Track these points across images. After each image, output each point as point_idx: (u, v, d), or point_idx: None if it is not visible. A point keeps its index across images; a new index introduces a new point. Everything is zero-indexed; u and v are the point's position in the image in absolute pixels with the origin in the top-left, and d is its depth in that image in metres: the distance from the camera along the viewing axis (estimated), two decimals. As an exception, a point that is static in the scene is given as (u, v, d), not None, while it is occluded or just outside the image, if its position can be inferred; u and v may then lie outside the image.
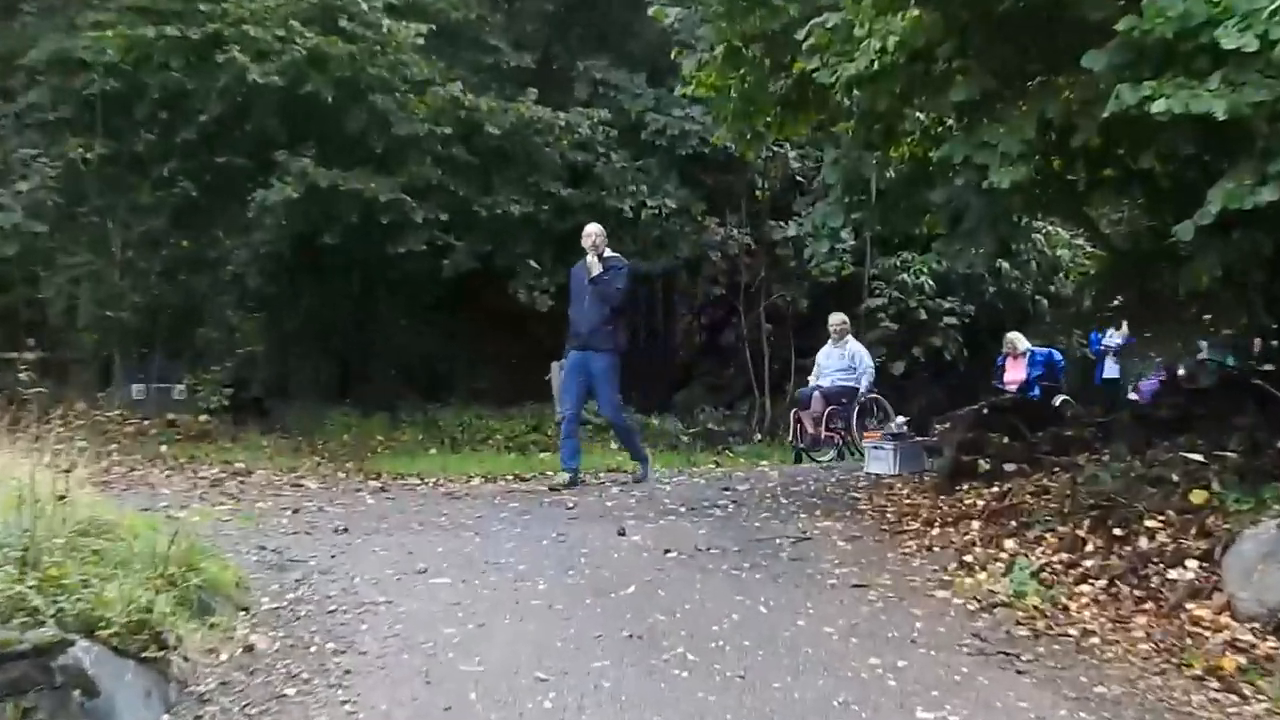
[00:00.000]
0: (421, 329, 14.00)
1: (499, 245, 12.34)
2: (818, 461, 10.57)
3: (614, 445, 10.00)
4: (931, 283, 14.19)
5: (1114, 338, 11.31)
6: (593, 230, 8.25)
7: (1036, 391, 10.64)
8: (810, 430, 10.80)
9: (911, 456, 9.10)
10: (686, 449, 12.17)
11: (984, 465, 7.03)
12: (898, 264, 14.39)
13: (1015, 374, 11.07)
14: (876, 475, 8.90)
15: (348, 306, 13.42)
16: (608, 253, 8.17)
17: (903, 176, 7.61)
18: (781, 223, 14.39)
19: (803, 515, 6.83)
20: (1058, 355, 11.33)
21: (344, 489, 8.17)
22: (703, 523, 6.56)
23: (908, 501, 7.21)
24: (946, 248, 7.25)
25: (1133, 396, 11.06)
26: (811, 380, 11.35)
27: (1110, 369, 11.54)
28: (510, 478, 8.89)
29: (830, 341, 11.37)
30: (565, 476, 8.07)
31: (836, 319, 11.33)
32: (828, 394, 10.85)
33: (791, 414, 11.22)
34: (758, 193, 14.93)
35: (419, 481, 8.69)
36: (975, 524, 5.99)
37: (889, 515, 6.76)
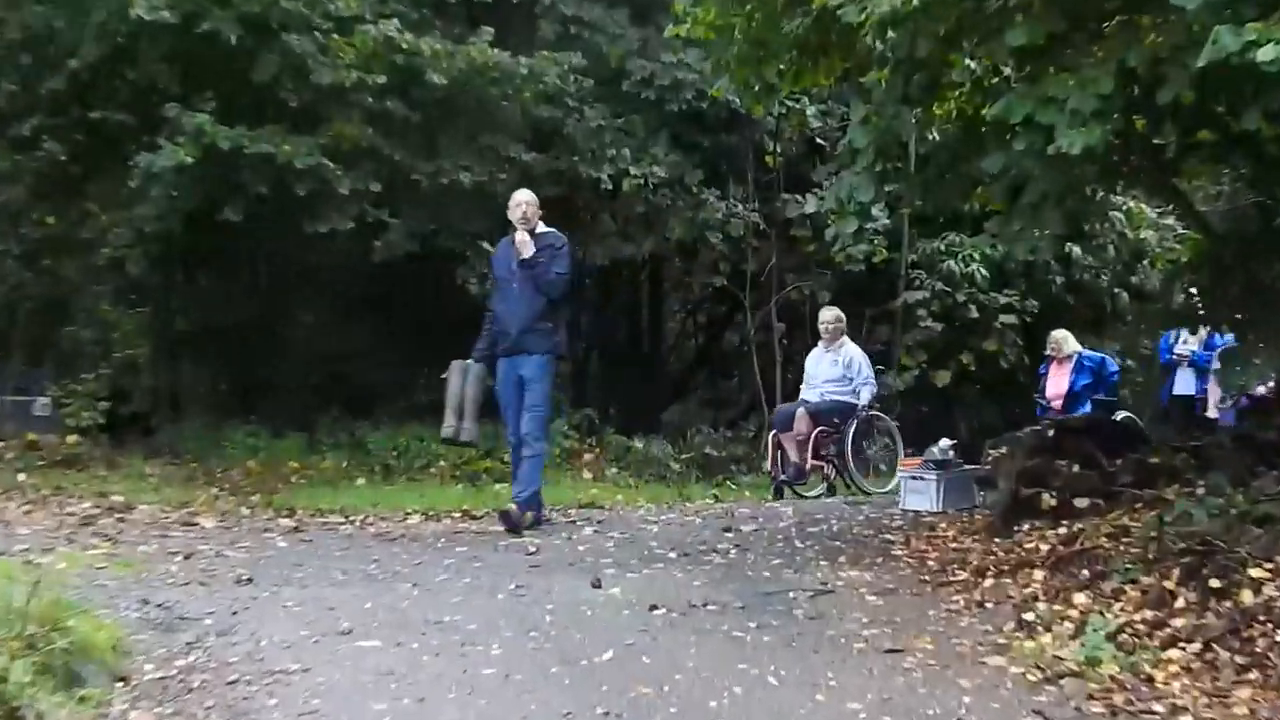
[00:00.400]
0: (347, 329, 13.94)
1: (444, 223, 12.32)
2: (803, 497, 10.59)
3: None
4: (984, 272, 14.25)
5: (1188, 344, 11.35)
6: (522, 198, 8.15)
7: (1086, 407, 10.64)
8: (794, 458, 10.78)
9: (958, 489, 9.12)
10: (678, 480, 12.19)
11: (1049, 500, 7.05)
12: (942, 249, 14.45)
13: (1058, 384, 11.10)
14: (915, 513, 8.92)
15: (254, 300, 13.37)
16: (541, 228, 8.11)
17: (949, 139, 7.61)
18: (798, 197, 14.43)
19: (823, 563, 6.84)
20: (1111, 363, 11.35)
21: (248, 529, 8.13)
22: (698, 572, 6.56)
23: (954, 545, 7.23)
24: (1003, 228, 7.26)
25: (1212, 415, 11.06)
26: (803, 392, 11.36)
27: (1183, 382, 11.55)
28: (457, 515, 8.87)
29: (820, 344, 11.37)
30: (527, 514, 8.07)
31: (828, 315, 11.35)
32: (816, 411, 10.85)
33: (770, 436, 11.19)
34: (768, 159, 14.98)
35: (342, 520, 8.66)
36: (1038, 574, 6.00)
37: (930, 563, 6.78)
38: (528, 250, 7.91)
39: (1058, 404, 10.98)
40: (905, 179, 7.65)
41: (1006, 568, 6.26)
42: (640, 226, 14.17)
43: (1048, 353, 11.44)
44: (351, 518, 8.73)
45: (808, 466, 10.76)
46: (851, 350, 11.25)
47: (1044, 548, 6.42)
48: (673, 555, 7.09)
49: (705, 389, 19.07)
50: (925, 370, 14.20)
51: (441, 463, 11.48)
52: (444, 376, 8.29)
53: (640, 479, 12.05)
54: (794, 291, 14.89)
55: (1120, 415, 10.69)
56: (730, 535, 7.87)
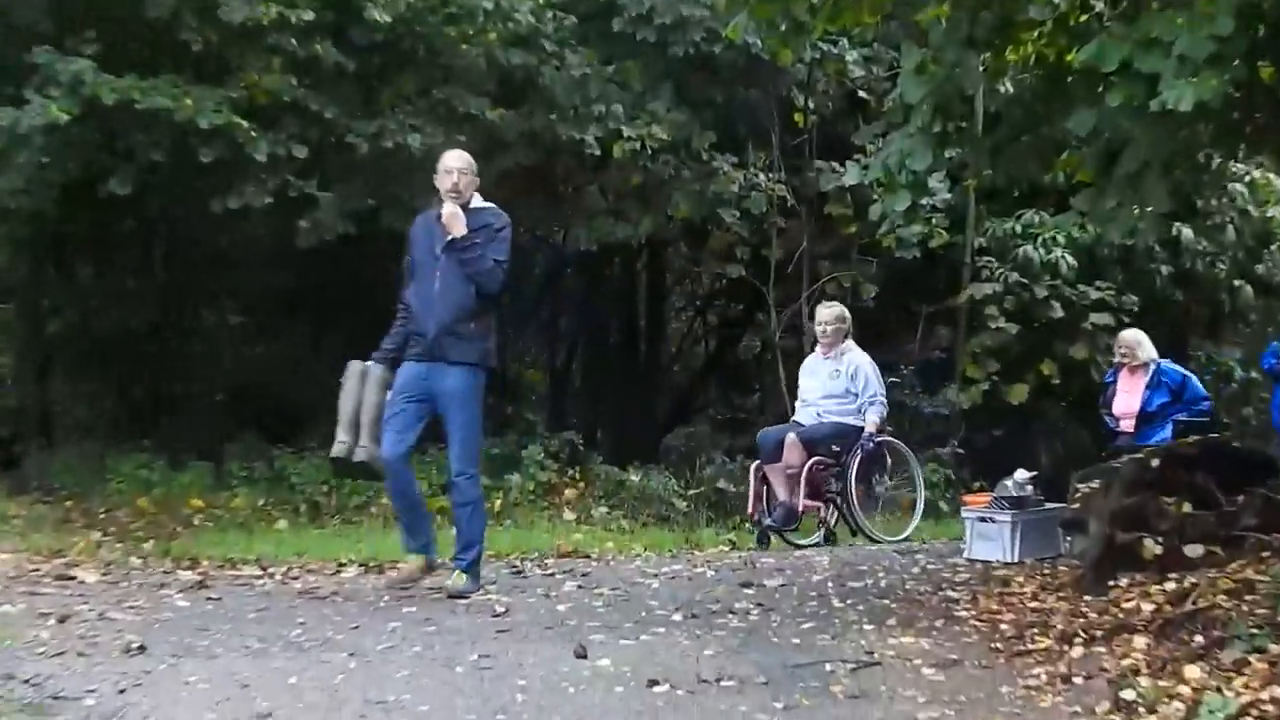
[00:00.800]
0: (264, 332, 13.96)
1: (388, 198, 12.30)
2: (795, 546, 10.50)
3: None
4: (1071, 260, 14.27)
5: None
6: (454, 164, 7.90)
7: (1165, 432, 10.54)
8: (781, 496, 10.55)
9: (1038, 534, 9.12)
10: (684, 522, 12.18)
11: (1153, 548, 7.05)
12: (1018, 230, 14.47)
13: (1129, 400, 11.02)
14: (983, 563, 8.92)
15: (147, 297, 13.35)
16: (477, 201, 7.90)
17: (1025, 93, 7.62)
18: (835, 165, 14.44)
19: (868, 626, 6.83)
20: (1197, 385, 11.16)
21: (140, 584, 8.12)
22: (710, 638, 6.55)
23: (1033, 605, 7.23)
24: (1094, 205, 7.27)
25: None
26: (797, 411, 11.23)
27: None
28: (404, 566, 8.86)
29: (817, 349, 11.22)
30: (413, 564, 7.88)
31: (827, 313, 11.16)
32: (810, 438, 10.64)
33: (751, 469, 11.02)
34: (797, 117, 15.00)
35: (259, 573, 8.65)
36: (1140, 640, 6.00)
37: (1004, 627, 6.77)
38: (458, 228, 7.65)
39: (1128, 424, 10.92)
40: (970, 142, 7.66)
41: (1100, 633, 6.26)
42: (636, 202, 14.16)
43: (1116, 359, 11.35)
44: (270, 570, 8.73)
45: (800, 508, 10.54)
46: (857, 358, 11.00)
47: (1147, 608, 6.42)
48: (678, 617, 7.07)
49: (719, 407, 19.08)
50: (996, 383, 14.22)
51: (384, 500, 11.42)
52: (341, 381, 8.02)
53: (636, 521, 12.04)
54: (830, 284, 14.90)
55: None
56: (750, 592, 7.86)
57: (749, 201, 14.23)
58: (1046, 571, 8.27)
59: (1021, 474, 9.62)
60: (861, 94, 14.83)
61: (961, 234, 14.43)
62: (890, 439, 11.37)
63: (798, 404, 11.26)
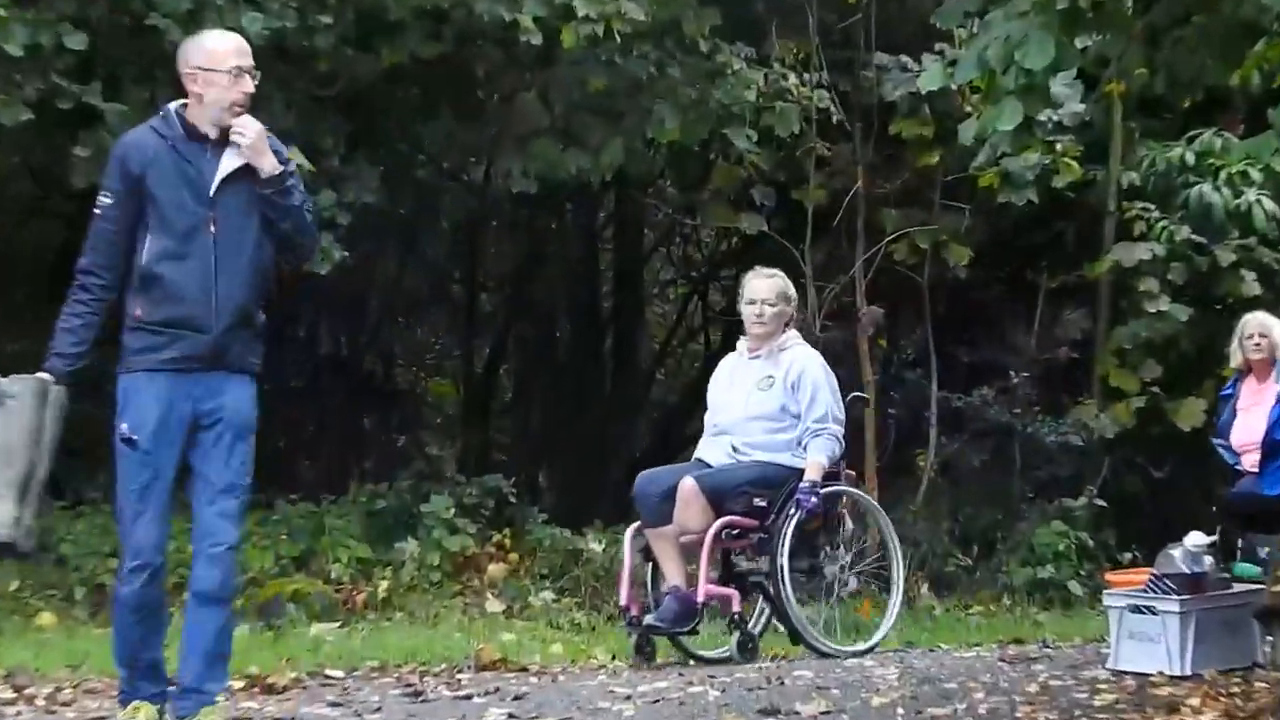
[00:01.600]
0: (16, 322, 13.97)
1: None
2: (693, 656, 10.33)
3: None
4: (1272, 206, 14.29)
5: None
6: (245, 57, 7.19)
7: None
8: (673, 579, 10.16)
9: (1222, 632, 9.13)
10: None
11: None
12: (1189, 161, 14.48)
13: (1252, 421, 10.90)
14: (1138, 676, 8.91)
15: None
16: (252, 122, 7.22)
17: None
18: (906, 60, 14.49)
19: (960, 777, 6.85)
20: None
21: None
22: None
23: (1217, 742, 7.26)
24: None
25: None
26: (703, 443, 10.81)
27: None
28: (238, 682, 8.83)
29: (741, 346, 10.85)
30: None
31: (762, 285, 10.61)
32: (720, 486, 10.18)
33: (627, 535, 10.66)
34: (846, -10, 15.07)
35: (11, 695, 8.64)
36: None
37: (1169, 776, 6.80)
38: (269, 159, 7.11)
39: (1250, 459, 10.78)
40: (1115, 25, 7.67)
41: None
42: (598, 118, 14.14)
43: (1237, 358, 11.17)
44: (28, 690, 8.71)
45: (701, 598, 10.09)
46: (801, 359, 10.50)
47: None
48: (662, 764, 7.09)
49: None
50: (1157, 397, 14.24)
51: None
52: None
53: (598, 613, 12.05)
54: (899, 244, 14.94)
55: None
56: (777, 722, 7.86)
57: (773, 117, 14.23)
58: (1236, 689, 8.28)
59: (1196, 539, 9.59)
60: (943, -42, 14.90)
61: (1102, 168, 14.47)
62: (846, 488, 10.92)
63: (705, 433, 10.85)
